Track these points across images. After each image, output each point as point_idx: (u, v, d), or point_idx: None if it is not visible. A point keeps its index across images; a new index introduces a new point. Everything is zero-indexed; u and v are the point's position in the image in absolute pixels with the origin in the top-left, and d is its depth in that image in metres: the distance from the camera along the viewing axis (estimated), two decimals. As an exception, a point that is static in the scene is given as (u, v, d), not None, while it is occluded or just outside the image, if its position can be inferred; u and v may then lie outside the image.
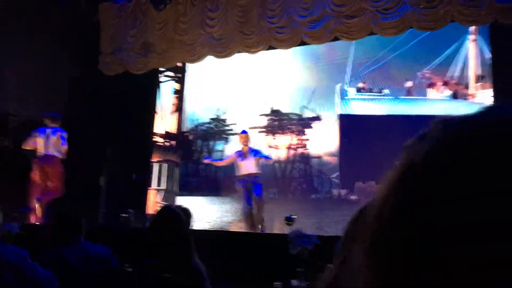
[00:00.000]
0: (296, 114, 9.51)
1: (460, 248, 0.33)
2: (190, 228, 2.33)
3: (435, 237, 0.34)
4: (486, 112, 0.39)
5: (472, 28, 8.09)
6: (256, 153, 7.09)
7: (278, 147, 9.52)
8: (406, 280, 0.35)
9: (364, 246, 0.39)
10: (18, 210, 6.58)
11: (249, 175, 6.93)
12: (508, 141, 0.35)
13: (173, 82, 10.43)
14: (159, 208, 2.54)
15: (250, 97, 9.61)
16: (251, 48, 7.98)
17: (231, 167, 9.76)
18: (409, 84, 8.74)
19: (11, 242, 3.66)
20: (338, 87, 9.10)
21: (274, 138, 9.61)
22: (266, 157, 7.37)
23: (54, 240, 2.79)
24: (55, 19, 8.00)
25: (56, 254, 2.60)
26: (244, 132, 7.34)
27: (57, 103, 8.37)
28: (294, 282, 3.17)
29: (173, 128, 10.05)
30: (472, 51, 8.33)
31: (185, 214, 2.36)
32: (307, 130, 9.38)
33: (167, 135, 9.85)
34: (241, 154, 7.05)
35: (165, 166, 9.41)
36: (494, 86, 6.87)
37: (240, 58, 8.58)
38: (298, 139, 9.45)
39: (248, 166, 6.95)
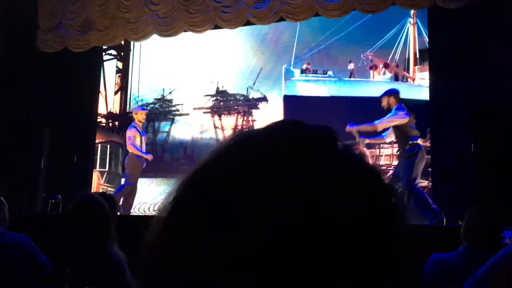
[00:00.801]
0: (242, 95, 9.50)
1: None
2: (113, 215, 2.28)
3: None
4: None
5: (412, 12, 8.31)
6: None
7: (224, 128, 9.50)
8: None
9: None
10: None
11: None
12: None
13: (116, 60, 10.15)
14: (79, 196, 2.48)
15: (196, 77, 9.50)
16: (196, 27, 7.86)
17: (177, 149, 9.71)
18: (352, 66, 8.91)
19: None
20: (283, 68, 9.15)
21: (220, 119, 9.57)
22: None
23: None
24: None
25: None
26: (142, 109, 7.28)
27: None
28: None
29: (116, 108, 9.80)
30: (412, 34, 8.57)
31: (109, 202, 2.31)
32: (254, 111, 9.40)
33: (110, 115, 9.60)
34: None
35: (108, 147, 9.18)
36: (430, 69, 7.11)
37: (186, 37, 8.43)
38: (245, 120, 9.46)
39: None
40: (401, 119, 5.37)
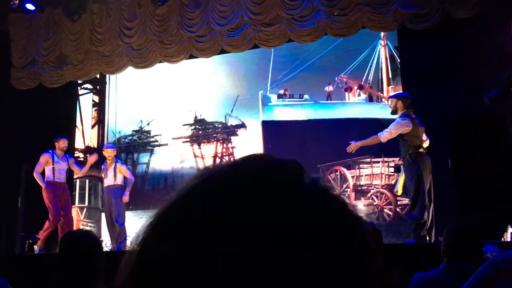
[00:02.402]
0: (220, 123, 9.52)
1: None
2: (97, 253, 2.21)
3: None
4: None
5: (382, 34, 8.52)
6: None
7: (204, 156, 9.47)
8: None
9: None
10: None
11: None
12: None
13: (92, 94, 10.10)
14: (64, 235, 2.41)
15: (174, 107, 9.50)
16: (171, 57, 7.91)
17: (157, 179, 9.61)
18: (330, 88, 9.05)
19: None
20: (260, 93, 9.23)
21: (199, 148, 9.55)
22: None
23: None
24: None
25: None
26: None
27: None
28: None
29: (94, 142, 9.70)
30: (383, 56, 8.77)
31: (92, 239, 2.25)
32: (233, 138, 9.41)
33: (88, 150, 9.48)
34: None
35: (87, 182, 9.03)
36: (403, 88, 7.26)
37: (162, 68, 8.46)
38: (224, 147, 9.46)
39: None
40: (404, 128, 5.22)
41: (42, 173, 6.81)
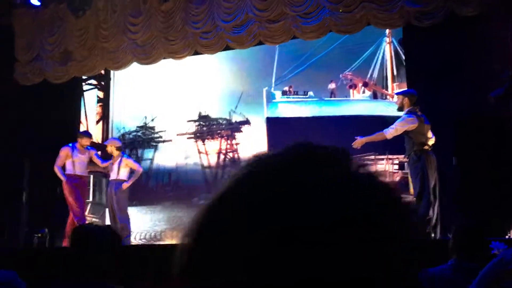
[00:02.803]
0: (225, 119, 9.52)
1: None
2: (116, 246, 2.21)
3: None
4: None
5: (388, 31, 8.50)
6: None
7: (208, 153, 9.48)
8: None
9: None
10: None
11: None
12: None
13: (96, 90, 10.11)
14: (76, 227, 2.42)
15: (178, 103, 9.51)
16: (176, 54, 7.91)
17: (161, 175, 9.63)
18: (332, 85, 9.04)
19: None
20: (264, 90, 9.23)
21: (203, 144, 9.56)
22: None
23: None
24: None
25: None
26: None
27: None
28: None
29: (98, 138, 9.71)
30: (388, 53, 8.76)
31: (107, 233, 2.25)
32: (237, 134, 9.42)
33: (92, 146, 9.48)
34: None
35: (91, 177, 9.04)
36: (408, 85, 7.25)
37: (166, 64, 8.46)
38: (228, 144, 9.47)
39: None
40: (410, 124, 5.20)
41: (62, 168, 6.83)
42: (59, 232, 7.00)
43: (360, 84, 8.93)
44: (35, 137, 7.93)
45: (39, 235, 6.33)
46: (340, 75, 8.95)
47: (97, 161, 7.11)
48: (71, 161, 6.81)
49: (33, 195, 7.88)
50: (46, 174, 7.81)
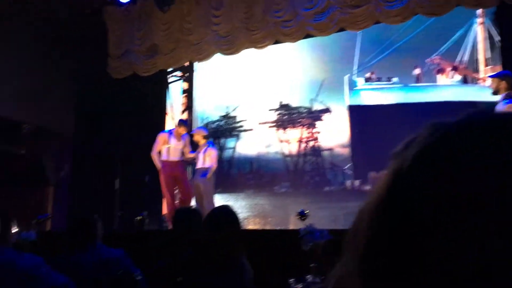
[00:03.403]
0: (305, 107, 9.50)
1: (454, 256, 0.33)
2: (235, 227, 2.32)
3: (428, 248, 0.34)
4: (470, 117, 0.39)
5: (479, 11, 7.97)
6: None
7: (289, 141, 9.52)
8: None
9: (357, 253, 0.39)
10: (39, 217, 6.60)
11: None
12: (492, 143, 0.36)
13: (181, 81, 10.49)
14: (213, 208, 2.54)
15: (259, 92, 9.62)
16: (257, 43, 7.98)
17: (243, 164, 9.83)
18: (417, 71, 8.67)
19: (27, 249, 3.72)
20: (346, 78, 9.06)
21: (284, 133, 9.61)
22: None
23: (70, 245, 2.82)
24: (60, 28, 8.09)
25: (71, 260, 2.64)
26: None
27: (67, 108, 8.49)
28: (309, 278, 3.18)
29: (183, 128, 10.10)
30: (480, 34, 8.22)
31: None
32: (317, 123, 9.36)
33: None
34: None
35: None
36: (503, 68, 6.78)
37: (247, 54, 8.58)
38: (309, 132, 9.44)
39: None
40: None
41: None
42: (154, 216, 7.36)
43: (449, 69, 8.49)
44: (125, 127, 8.40)
45: (139, 218, 6.62)
46: (426, 60, 8.56)
47: (187, 149, 7.32)
48: (167, 147, 7.02)
49: (124, 182, 8.37)
50: (136, 162, 8.29)
